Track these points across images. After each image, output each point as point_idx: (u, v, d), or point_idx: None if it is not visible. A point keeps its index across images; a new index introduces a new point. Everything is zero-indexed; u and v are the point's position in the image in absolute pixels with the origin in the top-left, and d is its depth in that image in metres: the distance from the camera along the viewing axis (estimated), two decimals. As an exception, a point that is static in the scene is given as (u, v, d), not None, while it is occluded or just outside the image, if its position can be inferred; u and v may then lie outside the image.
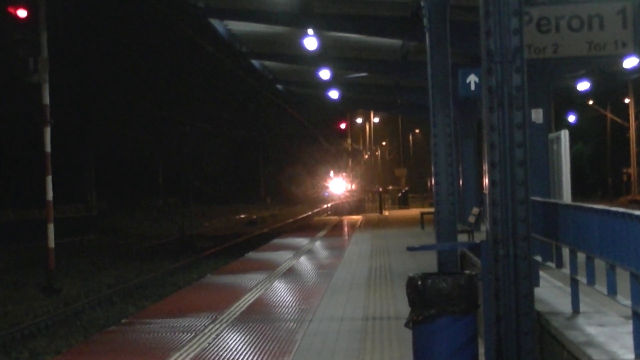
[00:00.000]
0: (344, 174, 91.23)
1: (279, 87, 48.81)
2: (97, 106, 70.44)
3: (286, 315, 15.83)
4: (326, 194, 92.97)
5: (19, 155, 63.71)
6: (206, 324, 15.03)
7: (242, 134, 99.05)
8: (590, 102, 71.83)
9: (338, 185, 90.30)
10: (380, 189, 71.53)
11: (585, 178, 75.32)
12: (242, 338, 13.75)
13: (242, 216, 79.53)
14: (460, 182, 35.02)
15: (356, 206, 66.93)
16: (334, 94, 44.26)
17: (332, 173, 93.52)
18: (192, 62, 77.44)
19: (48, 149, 29.07)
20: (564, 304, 12.86)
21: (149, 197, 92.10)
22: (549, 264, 14.77)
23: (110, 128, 73.82)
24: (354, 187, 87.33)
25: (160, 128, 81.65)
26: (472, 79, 20.85)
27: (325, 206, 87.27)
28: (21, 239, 48.22)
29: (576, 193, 33.27)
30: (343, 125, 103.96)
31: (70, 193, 62.54)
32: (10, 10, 29.95)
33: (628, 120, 68.07)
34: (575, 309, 12.34)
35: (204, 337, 13.84)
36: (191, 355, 12.54)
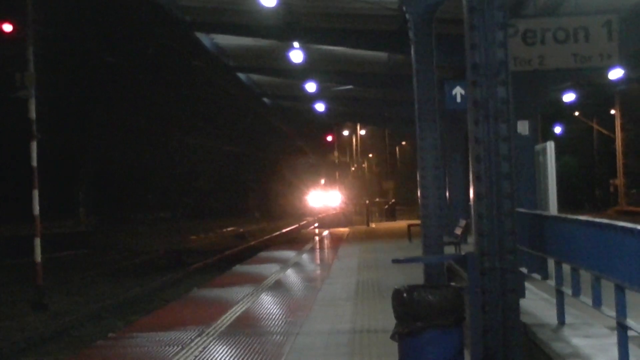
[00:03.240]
0: (332, 186, 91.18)
1: (266, 100, 48.83)
2: (87, 121, 70.40)
3: (273, 329, 15.81)
4: (313, 206, 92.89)
5: (9, 170, 63.54)
6: (192, 338, 15.01)
7: (231, 148, 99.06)
8: (577, 114, 72.04)
9: (325, 197, 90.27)
10: (367, 201, 71.49)
11: (574, 190, 75.49)
12: (229, 351, 13.73)
13: (230, 229, 79.45)
14: (447, 194, 35.02)
15: (343, 219, 66.90)
16: (320, 107, 44.30)
17: (319, 186, 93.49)
18: (180, 77, 77.41)
19: (34, 163, 29.07)
20: (549, 316, 12.90)
21: (139, 212, 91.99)
22: (535, 275, 14.81)
23: (100, 143, 73.74)
24: (342, 200, 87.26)
25: (150, 142, 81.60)
26: (458, 91, 20.94)
27: (312, 219, 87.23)
28: (13, 255, 48.11)
29: (564, 205, 33.33)
30: (330, 138, 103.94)
31: (61, 209, 62.41)
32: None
33: (614, 132, 68.27)
34: (561, 321, 12.38)
35: (191, 351, 13.82)
36: (178, 370, 12.53)
